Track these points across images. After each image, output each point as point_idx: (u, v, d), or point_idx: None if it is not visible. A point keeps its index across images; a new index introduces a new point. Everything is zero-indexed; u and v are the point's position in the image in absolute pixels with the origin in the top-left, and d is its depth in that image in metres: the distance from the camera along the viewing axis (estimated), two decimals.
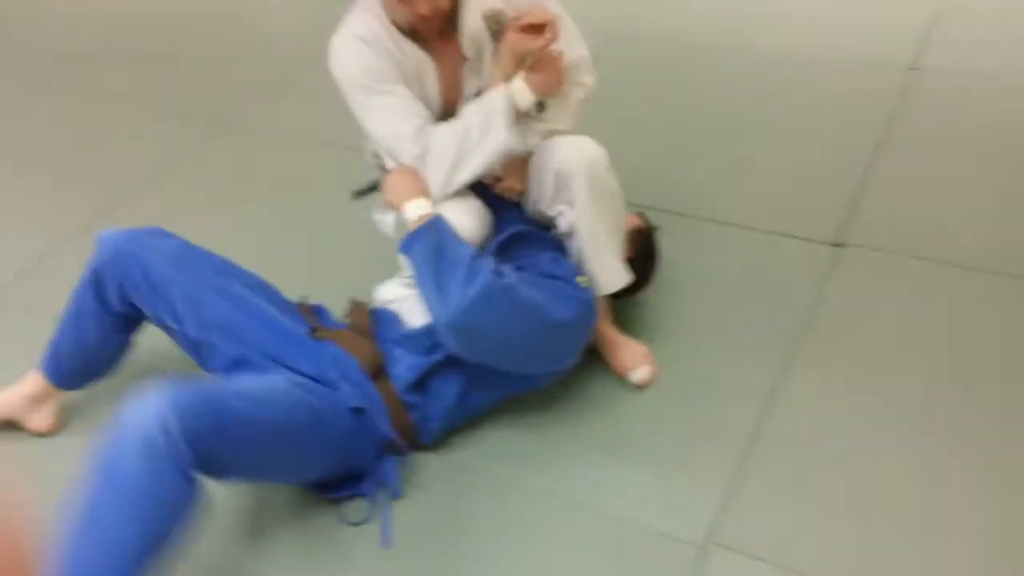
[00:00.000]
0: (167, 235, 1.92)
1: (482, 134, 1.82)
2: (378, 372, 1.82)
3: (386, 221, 2.08)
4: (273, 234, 2.62)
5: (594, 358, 2.06)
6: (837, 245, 2.35)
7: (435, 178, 1.84)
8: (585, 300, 1.86)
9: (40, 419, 2.05)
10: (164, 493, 1.44)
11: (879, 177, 2.57)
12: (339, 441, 1.75)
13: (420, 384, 1.84)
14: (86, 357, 1.99)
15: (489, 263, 1.74)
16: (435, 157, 1.84)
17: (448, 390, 1.86)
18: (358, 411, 1.77)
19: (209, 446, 1.48)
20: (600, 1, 3.67)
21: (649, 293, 2.20)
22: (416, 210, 1.81)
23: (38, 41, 3.93)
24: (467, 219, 1.86)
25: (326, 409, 1.73)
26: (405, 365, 1.83)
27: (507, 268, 1.79)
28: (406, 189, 1.83)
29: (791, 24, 3.39)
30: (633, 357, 2.04)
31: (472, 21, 1.87)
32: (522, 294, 1.74)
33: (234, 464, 1.58)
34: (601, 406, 1.99)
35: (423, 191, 1.83)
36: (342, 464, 1.79)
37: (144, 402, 1.46)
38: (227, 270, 1.92)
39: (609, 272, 1.95)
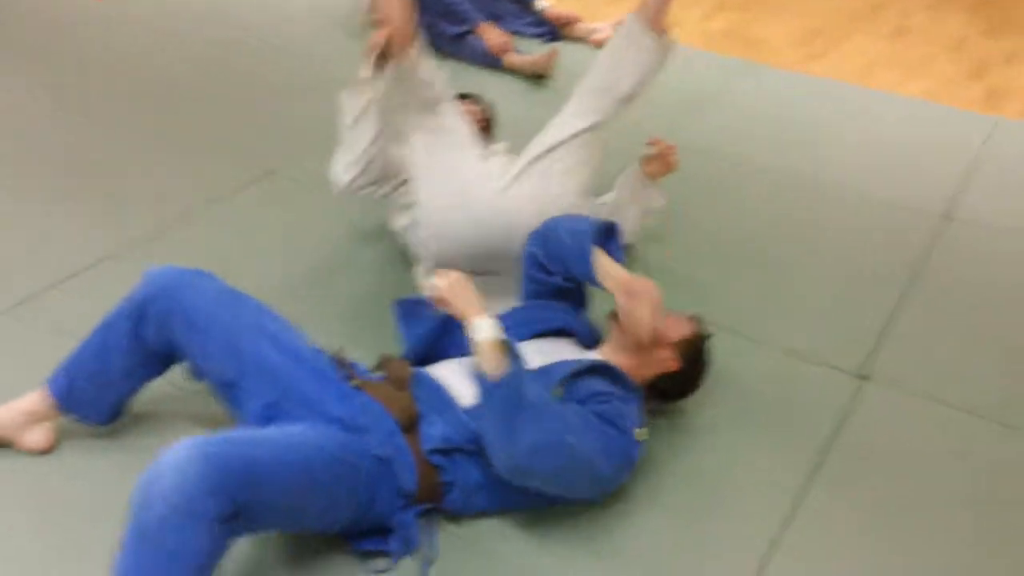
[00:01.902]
0: (211, 277, 1.94)
1: None
2: (410, 426, 1.82)
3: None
4: (302, 284, 2.61)
5: None
6: (862, 377, 2.36)
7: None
8: (632, 457, 1.89)
9: (37, 436, 1.98)
10: (190, 545, 1.48)
11: (907, 315, 2.60)
12: (363, 489, 1.73)
13: (447, 452, 1.82)
14: (102, 385, 1.96)
15: (560, 412, 1.78)
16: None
17: (471, 470, 1.84)
18: (382, 460, 1.76)
19: (236, 499, 1.51)
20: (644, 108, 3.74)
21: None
22: (483, 331, 1.82)
23: (113, 65, 3.98)
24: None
25: (350, 457, 1.72)
26: (439, 431, 1.83)
27: (572, 407, 1.82)
28: (466, 299, 1.88)
29: (834, 153, 3.46)
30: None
31: None
32: (582, 447, 1.77)
33: (260, 515, 1.57)
34: (603, 521, 1.94)
35: (480, 305, 1.89)
36: (365, 514, 1.76)
37: (173, 454, 1.51)
38: (264, 314, 1.92)
39: None
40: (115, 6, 4.50)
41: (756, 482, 2.05)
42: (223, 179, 3.10)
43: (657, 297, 1.97)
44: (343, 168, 2.52)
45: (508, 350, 1.82)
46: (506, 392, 1.77)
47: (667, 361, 2.03)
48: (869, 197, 3.19)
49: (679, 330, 2.06)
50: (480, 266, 2.34)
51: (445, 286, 1.91)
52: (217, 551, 1.53)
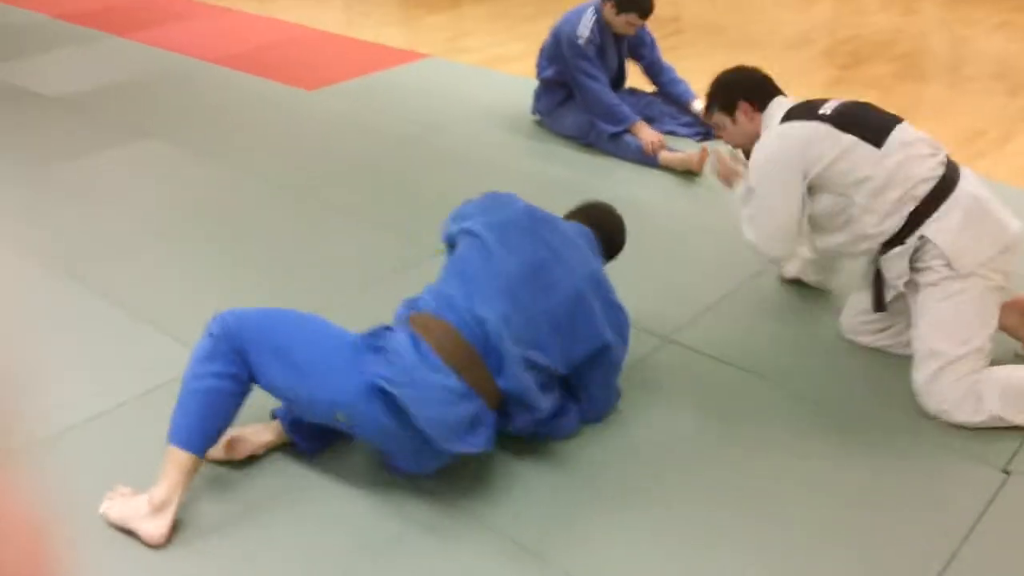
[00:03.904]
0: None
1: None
2: None
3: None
4: None
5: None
6: (1005, 472, 2.33)
7: None
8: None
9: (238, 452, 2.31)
10: (216, 375, 2.10)
11: None
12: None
13: None
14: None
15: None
16: None
17: None
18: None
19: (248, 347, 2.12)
20: None
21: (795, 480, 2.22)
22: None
23: (303, 150, 4.42)
24: None
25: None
26: None
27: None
28: None
29: None
30: None
31: None
32: None
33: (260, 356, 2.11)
34: None
35: None
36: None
37: (220, 316, 2.17)
38: None
39: None
40: (320, 100, 5.01)
41: (891, 565, 2.06)
42: (390, 255, 3.39)
43: None
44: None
45: None
46: None
47: None
48: None
49: None
50: None
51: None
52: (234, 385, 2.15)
